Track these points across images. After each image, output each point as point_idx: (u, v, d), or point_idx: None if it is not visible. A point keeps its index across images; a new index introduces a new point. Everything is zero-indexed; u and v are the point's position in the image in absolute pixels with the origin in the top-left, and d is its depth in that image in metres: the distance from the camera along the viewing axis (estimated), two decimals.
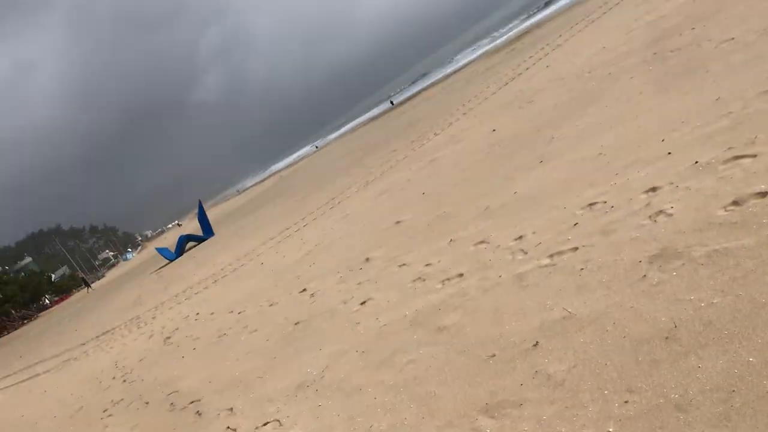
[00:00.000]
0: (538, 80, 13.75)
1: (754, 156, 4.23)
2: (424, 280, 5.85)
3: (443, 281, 5.49)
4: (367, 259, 7.83)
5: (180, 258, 29.20)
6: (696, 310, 3.00)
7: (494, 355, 3.72)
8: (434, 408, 3.58)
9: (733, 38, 7.46)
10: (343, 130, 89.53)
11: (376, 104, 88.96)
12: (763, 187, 3.75)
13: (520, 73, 17.00)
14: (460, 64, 50.45)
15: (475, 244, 5.94)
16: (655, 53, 9.23)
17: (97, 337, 17.63)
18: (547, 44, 19.32)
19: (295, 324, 6.92)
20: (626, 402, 2.69)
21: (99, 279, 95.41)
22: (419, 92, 49.35)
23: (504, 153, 9.20)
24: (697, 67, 7.28)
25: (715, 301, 2.99)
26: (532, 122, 9.98)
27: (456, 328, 4.40)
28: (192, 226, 58.74)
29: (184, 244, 30.91)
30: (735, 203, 3.77)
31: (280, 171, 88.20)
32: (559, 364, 3.23)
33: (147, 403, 7.39)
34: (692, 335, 2.85)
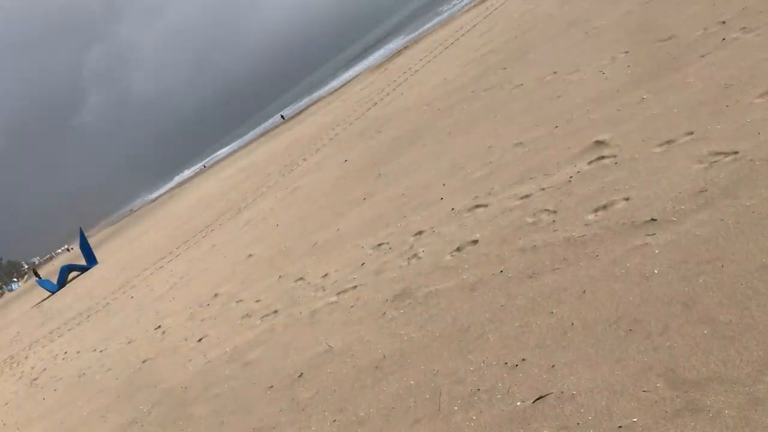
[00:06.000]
0: (391, 109, 14.89)
1: (486, 206, 5.32)
2: (250, 316, 6.64)
3: (263, 317, 6.30)
4: (216, 295, 8.51)
5: (62, 289, 28.39)
6: (401, 342, 3.97)
7: (272, 386, 4.56)
8: None
9: (522, 84, 8.75)
10: (234, 146, 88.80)
11: (268, 118, 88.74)
12: (477, 236, 4.81)
13: (382, 99, 18.14)
14: (345, 78, 51.61)
15: (295, 281, 6.79)
16: (473, 91, 10.50)
17: None
18: (409, 68, 20.64)
19: (143, 362, 7.50)
20: (338, 417, 3.59)
21: None
22: (307, 107, 50.09)
23: (345, 186, 10.14)
24: (491, 111, 8.50)
25: (413, 335, 3.97)
26: (373, 155, 11.00)
27: (256, 363, 5.22)
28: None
29: (66, 274, 30.00)
30: (458, 249, 4.81)
31: (171, 189, 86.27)
32: (307, 392, 4.11)
33: None
34: (391, 364, 3.80)
